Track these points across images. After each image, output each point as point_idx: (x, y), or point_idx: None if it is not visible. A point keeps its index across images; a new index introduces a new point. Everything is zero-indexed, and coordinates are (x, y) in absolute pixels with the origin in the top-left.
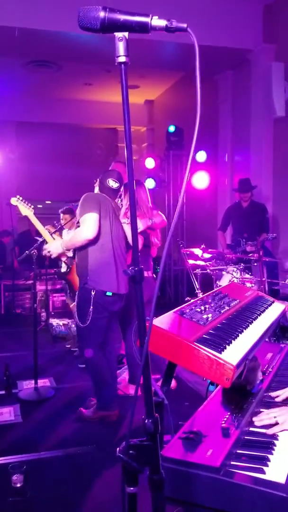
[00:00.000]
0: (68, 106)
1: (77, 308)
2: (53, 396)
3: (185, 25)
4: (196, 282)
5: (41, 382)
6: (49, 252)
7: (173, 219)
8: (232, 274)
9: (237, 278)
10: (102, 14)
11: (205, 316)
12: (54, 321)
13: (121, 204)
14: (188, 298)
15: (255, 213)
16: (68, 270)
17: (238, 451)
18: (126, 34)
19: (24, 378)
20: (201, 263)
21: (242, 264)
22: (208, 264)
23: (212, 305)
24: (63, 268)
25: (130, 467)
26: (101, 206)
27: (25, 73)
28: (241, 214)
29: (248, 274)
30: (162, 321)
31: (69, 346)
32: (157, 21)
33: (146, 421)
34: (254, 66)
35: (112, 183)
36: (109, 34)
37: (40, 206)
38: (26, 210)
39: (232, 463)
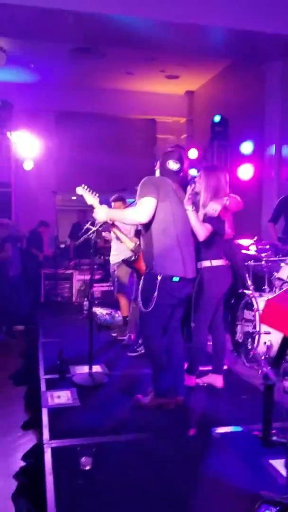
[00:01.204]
0: (108, 96)
1: (141, 292)
2: (108, 382)
3: None
4: (247, 275)
5: (94, 368)
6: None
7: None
8: None
9: None
10: None
11: None
12: (98, 310)
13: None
14: (241, 290)
15: None
16: (136, 258)
17: None
18: None
19: (75, 364)
20: (253, 253)
21: None
22: (262, 255)
23: None
24: (130, 256)
25: None
26: (160, 190)
27: (68, 61)
28: None
29: None
30: (279, 299)
31: (115, 334)
32: None
33: None
34: None
35: (173, 165)
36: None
37: (74, 198)
38: (91, 199)
39: None
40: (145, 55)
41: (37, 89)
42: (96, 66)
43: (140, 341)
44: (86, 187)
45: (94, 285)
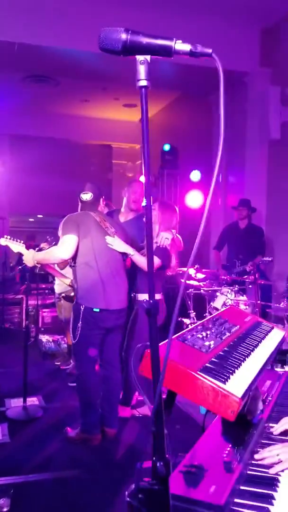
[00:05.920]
0: (64, 122)
1: (71, 324)
2: (42, 415)
3: (210, 51)
4: (189, 302)
5: (30, 401)
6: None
7: (196, 241)
8: (226, 295)
9: (231, 299)
10: (124, 36)
11: (207, 343)
12: (44, 337)
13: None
14: (181, 318)
15: (252, 236)
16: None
17: (242, 488)
18: (148, 57)
19: (13, 396)
20: (195, 283)
21: (237, 285)
22: (201, 284)
23: (213, 330)
24: (69, 291)
25: None
26: (80, 227)
27: (22, 88)
28: (238, 235)
29: (242, 296)
30: (163, 347)
31: (59, 363)
32: (181, 46)
33: (157, 464)
34: (250, 88)
35: (83, 196)
36: (110, 55)
37: (32, 219)
38: (17, 246)
39: (236, 500)
40: (98, 85)
41: None
42: (51, 93)
43: None
44: (9, 237)
45: (45, 310)
